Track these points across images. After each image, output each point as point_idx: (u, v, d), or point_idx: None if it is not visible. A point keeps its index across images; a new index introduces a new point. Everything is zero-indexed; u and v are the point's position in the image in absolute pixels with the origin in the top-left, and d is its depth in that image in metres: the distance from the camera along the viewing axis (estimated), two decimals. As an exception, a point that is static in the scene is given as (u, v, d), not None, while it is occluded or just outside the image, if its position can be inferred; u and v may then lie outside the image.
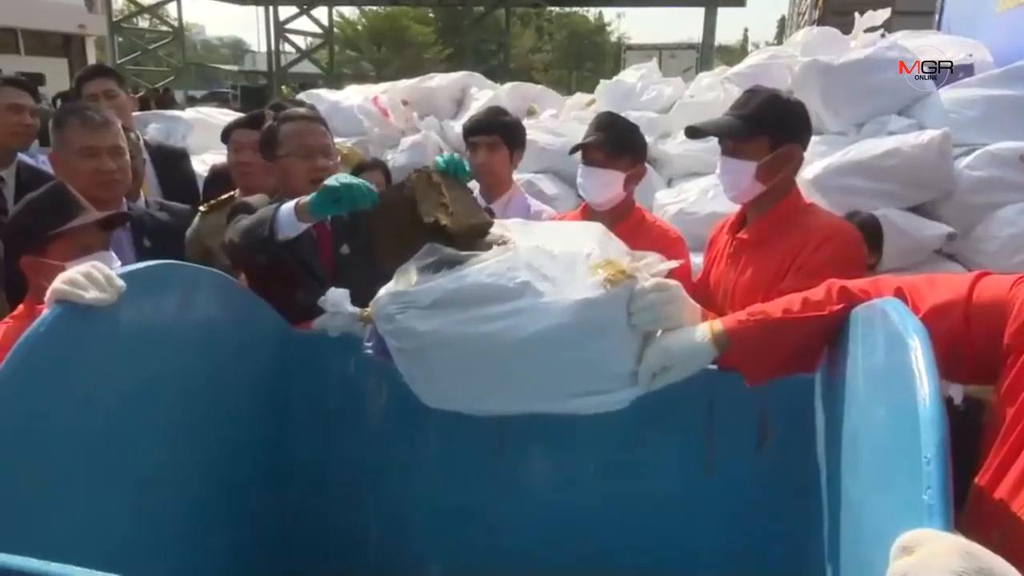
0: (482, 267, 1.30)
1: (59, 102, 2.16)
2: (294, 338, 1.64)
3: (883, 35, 3.88)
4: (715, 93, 4.42)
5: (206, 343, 1.39)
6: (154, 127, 5.07)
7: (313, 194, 1.58)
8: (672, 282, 1.27)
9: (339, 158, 2.05)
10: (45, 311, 1.05)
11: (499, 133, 2.46)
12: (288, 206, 1.66)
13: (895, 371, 0.85)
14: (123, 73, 3.09)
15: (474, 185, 3.77)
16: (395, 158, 4.40)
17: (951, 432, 0.74)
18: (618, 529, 1.49)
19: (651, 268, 1.38)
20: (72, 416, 1.06)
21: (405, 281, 1.35)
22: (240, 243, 1.74)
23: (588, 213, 2.13)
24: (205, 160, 3.90)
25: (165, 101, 14.07)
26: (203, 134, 4.74)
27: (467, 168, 1.58)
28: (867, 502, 0.92)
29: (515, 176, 2.69)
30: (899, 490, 0.76)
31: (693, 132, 1.79)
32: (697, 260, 2.28)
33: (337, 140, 4.31)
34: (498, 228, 1.44)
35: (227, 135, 2.66)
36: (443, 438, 1.57)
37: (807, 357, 1.23)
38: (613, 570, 1.45)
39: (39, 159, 2.86)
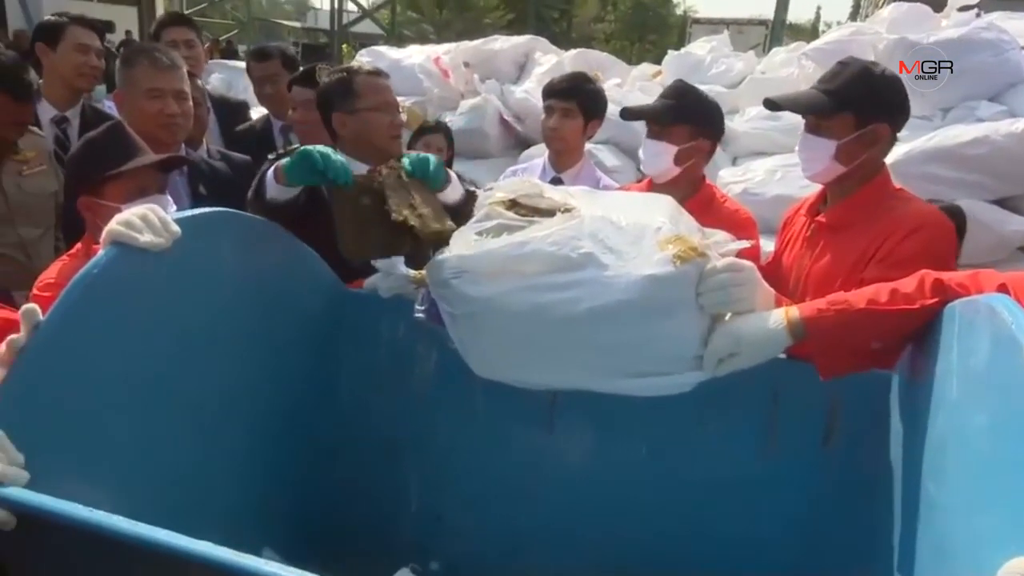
0: (545, 235, 1.25)
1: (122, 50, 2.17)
2: (346, 296, 1.62)
3: (978, 15, 3.65)
4: (790, 70, 4.27)
5: (259, 293, 1.37)
6: (216, 77, 5.12)
7: (287, 159, 1.51)
8: (746, 262, 1.20)
9: (404, 117, 2.00)
10: (100, 251, 1.03)
11: (577, 100, 2.39)
12: (272, 168, 1.61)
13: (1003, 375, 0.77)
14: (196, 24, 3.14)
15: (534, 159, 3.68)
16: (453, 121, 4.36)
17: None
18: (669, 515, 1.43)
19: (722, 247, 1.31)
20: (124, 358, 1.05)
21: (463, 245, 1.31)
22: (248, 203, 1.70)
23: (653, 187, 2.05)
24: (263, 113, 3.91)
25: (228, 53, 14.22)
26: (263, 87, 4.76)
27: (438, 173, 1.52)
28: (955, 515, 0.84)
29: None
30: (1003, 509, 0.69)
31: (772, 105, 1.69)
32: (763, 244, 2.19)
33: (397, 98, 4.32)
34: (562, 195, 1.37)
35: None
36: (491, 410, 1.53)
37: (888, 353, 1.16)
38: (663, 556, 1.40)
39: (105, 104, 2.89)
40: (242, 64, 5.60)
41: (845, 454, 1.31)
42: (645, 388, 1.23)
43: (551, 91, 2.45)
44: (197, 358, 1.20)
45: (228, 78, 5.32)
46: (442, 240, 1.33)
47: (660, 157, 1.96)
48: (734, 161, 3.80)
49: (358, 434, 1.63)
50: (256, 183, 1.63)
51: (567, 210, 1.32)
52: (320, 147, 1.44)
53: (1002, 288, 0.99)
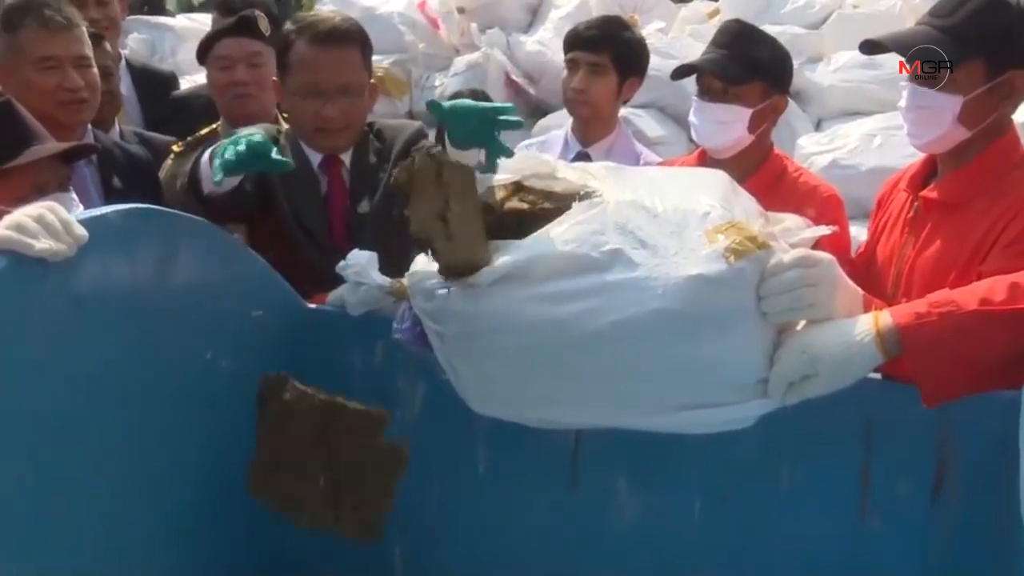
0: (558, 231, 1.27)
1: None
2: (306, 316, 1.65)
3: None
4: (890, 2, 4.28)
5: (192, 313, 1.41)
6: (136, 37, 5.19)
7: (228, 144, 1.56)
8: (822, 255, 1.22)
9: (371, 92, 2.02)
10: (-16, 263, 1.07)
11: (610, 52, 2.43)
12: (207, 155, 1.67)
13: None
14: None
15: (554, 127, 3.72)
16: (446, 84, 4.41)
17: None
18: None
19: (792, 236, 1.33)
20: (15, 399, 1.08)
21: None
22: (170, 200, 1.74)
23: (705, 162, 2.08)
24: (197, 82, 3.98)
25: (154, 5, 14.42)
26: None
27: (487, 138, 1.48)
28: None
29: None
30: None
31: (872, 47, 1.71)
32: (856, 231, 2.21)
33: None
34: (580, 175, 1.40)
35: (207, 49, 2.61)
36: (495, 458, 1.55)
37: (1013, 369, 1.17)
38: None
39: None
40: (169, 20, 5.70)
41: (963, 504, 1.32)
42: (693, 424, 1.25)
43: (575, 41, 2.49)
44: (110, 399, 1.24)
45: (151, 39, 5.41)
46: (468, 271, 1.28)
47: (729, 126, 2.00)
48: (818, 125, 3.83)
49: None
50: (189, 172, 1.68)
51: (587, 194, 1.35)
52: (250, 135, 1.51)
53: None
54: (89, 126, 2.16)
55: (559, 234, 1.27)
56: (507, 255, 1.27)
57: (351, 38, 1.94)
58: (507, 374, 1.30)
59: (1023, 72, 1.61)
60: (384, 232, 1.88)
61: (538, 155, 1.52)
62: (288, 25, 2.07)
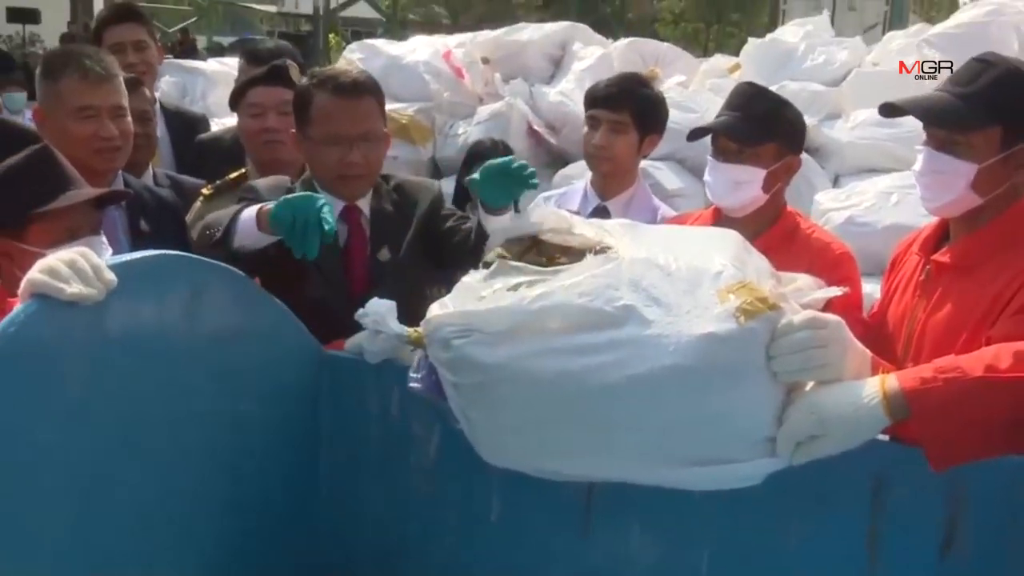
0: (572, 284, 1.31)
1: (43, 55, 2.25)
2: (324, 362, 1.68)
3: None
4: (909, 59, 4.31)
5: (216, 359, 1.44)
6: (167, 80, 5.28)
7: (280, 205, 1.62)
8: (832, 317, 1.24)
9: (386, 140, 2.09)
10: (18, 306, 1.11)
11: (630, 109, 2.45)
12: (251, 211, 1.71)
13: None
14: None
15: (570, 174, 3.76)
16: (469, 132, 4.46)
17: None
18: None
19: (803, 296, 1.35)
20: (46, 440, 1.12)
21: (469, 298, 1.37)
22: (195, 244, 1.80)
23: (719, 219, 2.11)
24: (227, 125, 4.07)
25: (186, 49, 14.71)
26: (227, 92, 4.95)
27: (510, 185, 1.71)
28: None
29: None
30: None
31: (892, 110, 1.74)
32: (871, 288, 2.22)
33: (396, 106, 4.46)
34: (596, 230, 1.43)
35: (239, 96, 2.69)
36: (508, 507, 1.57)
37: (1020, 435, 1.17)
38: None
39: (25, 116, 3.04)
40: (201, 64, 5.82)
41: (971, 565, 1.32)
42: (705, 479, 1.26)
43: (595, 98, 2.51)
44: (138, 441, 1.27)
45: (183, 82, 5.51)
46: None
47: (743, 186, 2.02)
48: (836, 181, 3.84)
49: (341, 535, 1.68)
50: (226, 226, 1.72)
51: (602, 250, 1.38)
52: (306, 199, 1.58)
53: None
54: (120, 171, 2.22)
55: (572, 287, 1.30)
56: (520, 303, 1.30)
57: (369, 89, 2.02)
58: (520, 426, 1.32)
59: None
60: (404, 282, 1.93)
61: (556, 210, 1.56)
62: (304, 80, 2.13)
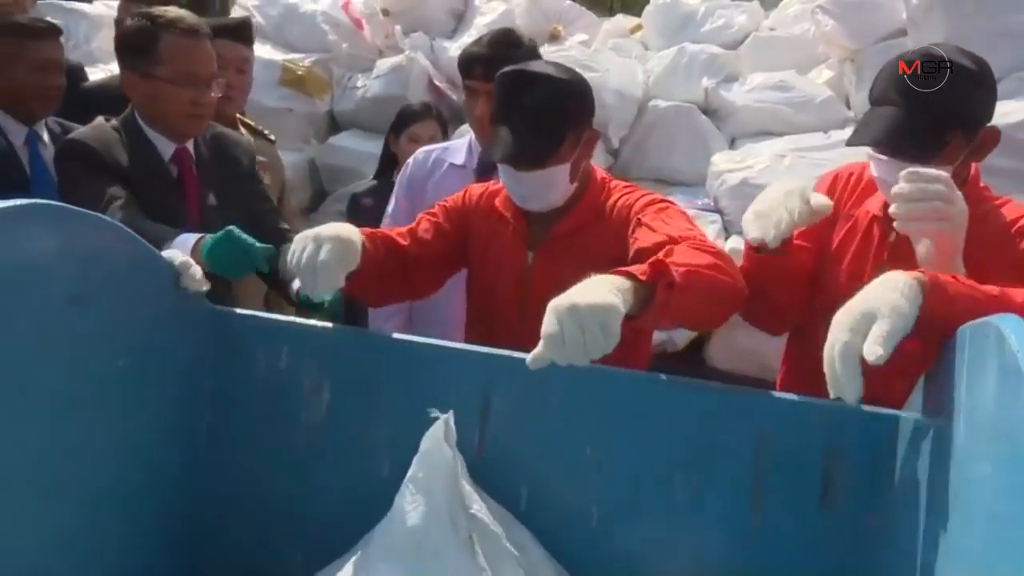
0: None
1: None
2: (204, 313, 1.64)
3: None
4: (803, 26, 4.40)
5: (94, 310, 1.38)
6: (46, 22, 5.01)
7: (209, 242, 1.73)
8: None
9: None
10: None
11: None
12: (186, 241, 1.79)
13: (1009, 419, 0.84)
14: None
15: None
16: (368, 86, 4.38)
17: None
18: None
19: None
20: None
21: None
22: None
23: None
24: (112, 72, 3.88)
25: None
26: (112, 35, 4.73)
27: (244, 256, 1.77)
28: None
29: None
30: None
31: (858, 142, 1.69)
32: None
33: (292, 56, 4.33)
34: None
35: None
36: (398, 461, 1.56)
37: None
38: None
39: None
40: (84, 5, 5.51)
41: (847, 513, 1.37)
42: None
43: (470, 67, 2.43)
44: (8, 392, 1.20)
45: (64, 24, 5.21)
46: None
47: (553, 187, 1.88)
48: (732, 143, 3.90)
49: (221, 500, 1.65)
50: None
51: None
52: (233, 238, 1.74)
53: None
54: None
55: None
56: None
57: (208, 33, 2.13)
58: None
59: (991, 126, 1.67)
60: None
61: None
62: (131, 20, 2.11)
